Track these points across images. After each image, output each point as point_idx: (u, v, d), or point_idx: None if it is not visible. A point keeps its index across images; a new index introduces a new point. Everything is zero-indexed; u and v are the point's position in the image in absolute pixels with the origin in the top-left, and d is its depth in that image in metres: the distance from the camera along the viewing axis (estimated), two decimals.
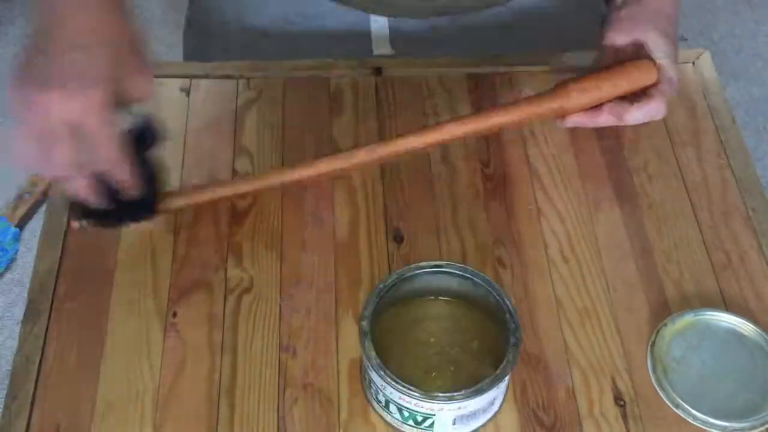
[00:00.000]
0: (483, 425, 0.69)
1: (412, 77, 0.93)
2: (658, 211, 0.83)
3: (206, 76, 0.93)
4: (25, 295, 0.78)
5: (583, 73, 0.81)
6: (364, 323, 0.67)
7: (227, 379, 0.72)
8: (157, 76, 0.92)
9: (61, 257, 0.79)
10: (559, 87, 0.80)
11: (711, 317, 0.74)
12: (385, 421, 0.69)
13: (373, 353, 0.66)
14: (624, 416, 0.70)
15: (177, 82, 0.92)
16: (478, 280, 0.70)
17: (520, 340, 0.67)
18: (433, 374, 0.70)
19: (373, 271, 0.78)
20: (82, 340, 0.74)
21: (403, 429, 0.69)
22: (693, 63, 0.95)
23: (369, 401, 0.70)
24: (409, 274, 0.71)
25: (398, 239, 0.80)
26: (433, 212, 0.82)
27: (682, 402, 0.70)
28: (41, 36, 0.66)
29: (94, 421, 0.70)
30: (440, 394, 0.65)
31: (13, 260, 1.74)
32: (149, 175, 0.73)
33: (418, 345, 0.72)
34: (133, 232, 0.80)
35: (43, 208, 1.49)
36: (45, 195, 1.77)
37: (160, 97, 0.91)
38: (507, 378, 0.67)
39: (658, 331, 0.74)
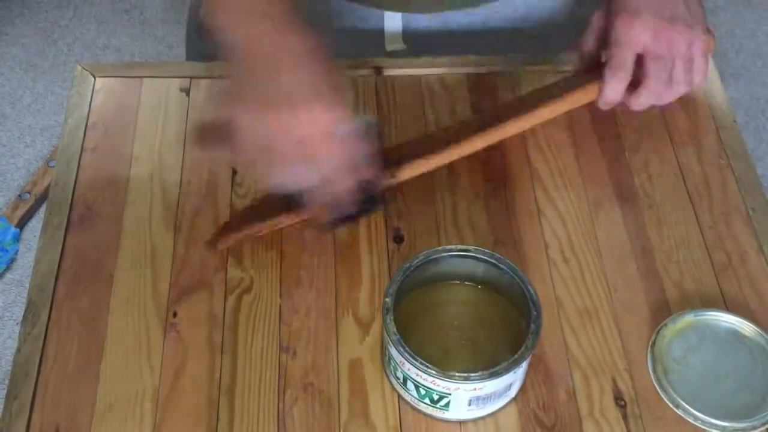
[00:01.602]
0: (499, 410, 0.70)
1: (412, 77, 0.93)
2: (659, 212, 0.83)
3: (206, 76, 0.93)
4: (25, 295, 0.77)
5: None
6: (388, 300, 0.68)
7: (227, 379, 0.72)
8: (157, 76, 0.93)
9: (60, 257, 0.79)
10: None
11: (711, 317, 0.74)
12: (403, 399, 0.70)
13: (393, 329, 0.67)
14: (624, 416, 0.70)
15: (177, 82, 0.92)
16: (504, 267, 0.71)
17: (540, 327, 0.67)
18: (453, 356, 0.71)
19: (373, 271, 0.78)
20: (82, 340, 0.74)
21: (419, 407, 0.69)
22: None
23: (388, 378, 0.71)
24: (436, 255, 0.71)
25: (398, 239, 0.80)
26: (433, 212, 0.82)
27: (682, 402, 0.70)
28: (261, 67, 0.70)
29: (93, 421, 0.70)
30: (457, 374, 0.65)
31: (13, 260, 1.75)
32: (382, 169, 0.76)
33: (440, 327, 0.73)
34: (133, 232, 0.80)
35: (43, 208, 1.49)
36: (45, 195, 1.77)
37: (160, 96, 0.91)
38: (525, 364, 0.67)
39: (658, 331, 0.74)
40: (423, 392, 0.68)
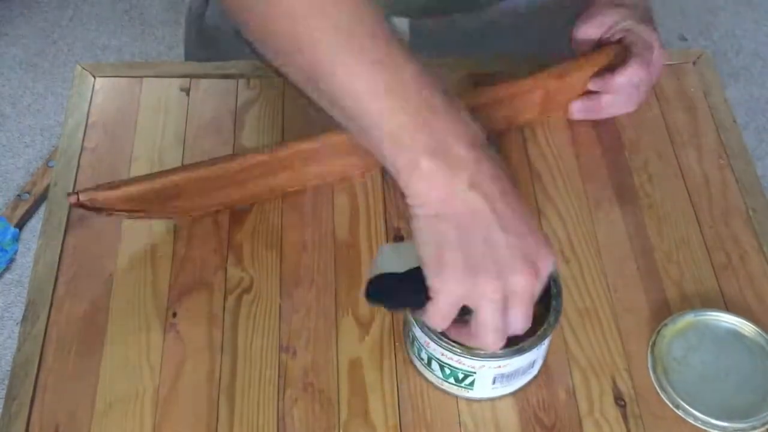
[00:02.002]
0: (522, 387, 0.71)
1: None
2: (659, 211, 0.83)
3: (206, 76, 0.93)
4: (25, 295, 0.77)
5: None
6: None
7: (227, 379, 0.72)
8: (157, 76, 0.93)
9: (60, 257, 0.79)
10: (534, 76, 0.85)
11: (711, 317, 0.74)
12: (427, 380, 0.71)
13: None
14: (624, 416, 0.70)
15: (177, 82, 0.92)
16: None
17: (562, 305, 0.68)
18: None
19: None
20: (82, 340, 0.74)
21: (443, 387, 0.70)
22: (693, 63, 0.95)
23: (411, 359, 0.72)
24: None
25: (398, 239, 0.80)
26: None
27: (682, 402, 0.70)
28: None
29: (93, 421, 0.70)
30: (482, 351, 0.66)
31: (12, 260, 1.75)
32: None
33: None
34: (133, 232, 0.80)
35: (43, 208, 1.49)
36: (44, 195, 1.77)
37: (160, 96, 0.91)
38: (547, 341, 0.68)
39: (658, 331, 0.74)
40: (448, 372, 0.68)
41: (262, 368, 0.72)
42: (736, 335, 0.74)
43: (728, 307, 0.76)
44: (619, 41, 0.86)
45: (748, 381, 0.71)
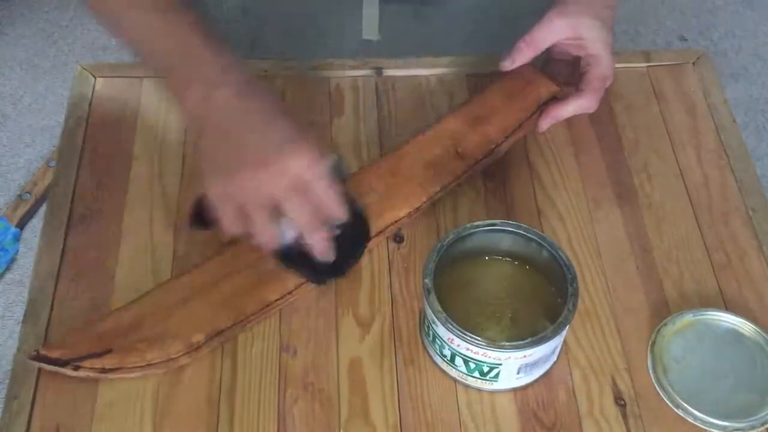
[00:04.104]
0: (543, 374, 0.72)
1: (412, 77, 0.93)
2: (658, 211, 0.83)
3: None
4: (26, 295, 0.78)
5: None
6: (427, 280, 0.69)
7: (227, 379, 0.72)
8: (157, 76, 0.93)
9: (61, 257, 0.79)
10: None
11: (711, 317, 0.74)
12: (449, 376, 0.71)
13: (438, 307, 0.68)
14: (624, 416, 0.70)
15: None
16: (532, 236, 0.73)
17: (578, 289, 0.69)
18: (490, 328, 0.72)
19: (373, 271, 0.78)
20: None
21: (467, 382, 0.71)
22: (693, 63, 0.95)
23: (431, 357, 0.73)
24: (465, 233, 0.73)
25: (398, 239, 0.80)
26: (433, 212, 0.82)
27: (682, 402, 0.70)
28: (217, 125, 0.70)
29: (94, 420, 0.70)
30: (507, 343, 0.67)
31: (13, 260, 1.75)
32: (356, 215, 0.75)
33: (473, 302, 0.74)
34: (133, 232, 0.81)
35: (44, 208, 1.49)
36: (45, 195, 1.77)
37: (161, 96, 0.91)
38: (567, 327, 0.69)
39: (658, 331, 0.74)
40: (473, 366, 0.69)
41: (263, 368, 0.73)
42: (735, 335, 0.74)
43: (727, 307, 0.76)
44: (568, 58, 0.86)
45: (748, 381, 0.72)
